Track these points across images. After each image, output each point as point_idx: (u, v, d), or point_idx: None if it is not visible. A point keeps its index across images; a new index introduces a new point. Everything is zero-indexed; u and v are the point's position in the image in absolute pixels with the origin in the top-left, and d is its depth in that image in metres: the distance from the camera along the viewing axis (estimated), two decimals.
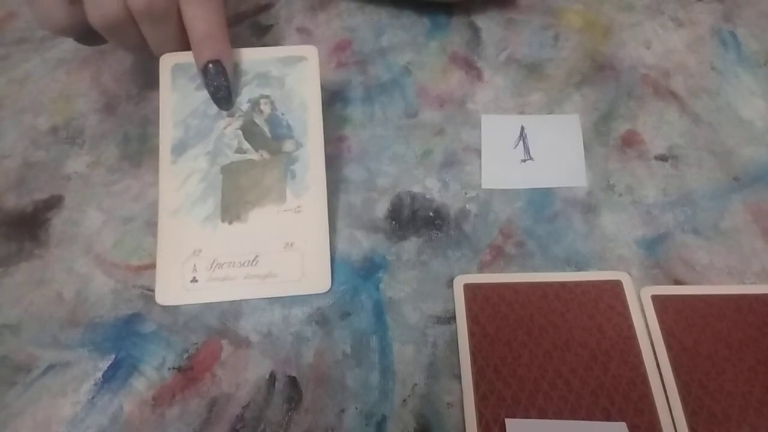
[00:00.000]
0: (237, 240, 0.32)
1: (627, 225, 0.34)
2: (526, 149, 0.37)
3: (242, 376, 0.30)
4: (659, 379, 0.28)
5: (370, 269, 0.33)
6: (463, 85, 0.41)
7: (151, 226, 0.35)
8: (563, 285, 0.32)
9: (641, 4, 0.44)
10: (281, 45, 0.43)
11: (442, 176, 0.36)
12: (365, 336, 0.31)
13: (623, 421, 0.27)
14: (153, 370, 0.30)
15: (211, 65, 0.33)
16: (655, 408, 0.28)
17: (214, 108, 0.34)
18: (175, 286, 0.32)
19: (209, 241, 0.32)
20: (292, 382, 0.30)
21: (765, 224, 0.33)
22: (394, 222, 0.35)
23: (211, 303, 0.32)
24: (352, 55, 0.42)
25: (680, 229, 0.33)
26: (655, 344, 0.29)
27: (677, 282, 0.32)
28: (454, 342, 0.30)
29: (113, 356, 0.31)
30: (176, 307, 0.32)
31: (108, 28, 0.33)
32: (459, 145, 0.38)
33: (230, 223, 0.33)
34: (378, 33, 0.44)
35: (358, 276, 0.33)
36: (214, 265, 0.32)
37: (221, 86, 0.34)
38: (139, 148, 0.39)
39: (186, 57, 0.34)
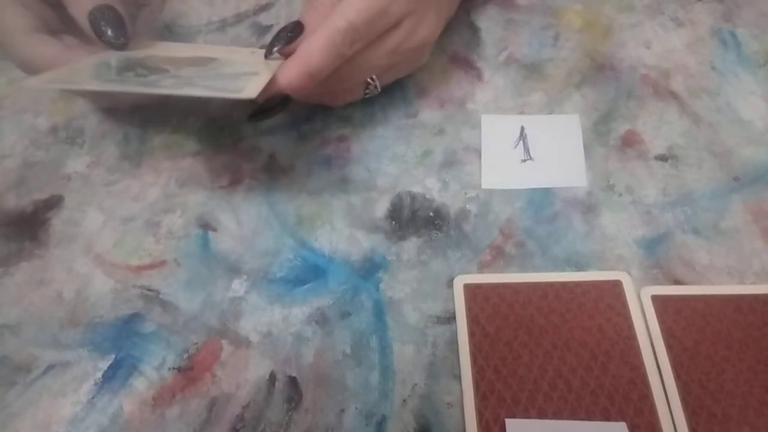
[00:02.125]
0: None
1: (627, 225, 0.34)
2: (526, 149, 0.37)
3: (242, 376, 0.30)
4: (659, 379, 0.28)
5: (370, 269, 0.33)
6: (463, 85, 0.41)
7: (151, 226, 0.35)
8: (563, 285, 0.32)
9: (641, 4, 0.44)
10: None
11: (442, 176, 0.36)
12: (365, 336, 0.31)
13: (623, 421, 0.27)
14: (153, 370, 0.30)
15: None
16: (655, 408, 0.28)
17: None
18: None
19: None
20: (292, 382, 0.30)
21: (765, 224, 0.33)
22: (394, 222, 0.35)
23: (212, 302, 0.32)
24: None
25: (680, 229, 0.33)
26: (655, 344, 0.29)
27: (677, 282, 0.32)
28: (454, 342, 0.30)
29: (113, 356, 0.31)
30: (176, 308, 0.32)
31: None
32: (459, 145, 0.38)
33: None
34: None
35: (358, 276, 0.33)
36: None
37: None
38: (139, 148, 0.39)
39: None
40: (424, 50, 0.38)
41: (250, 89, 0.29)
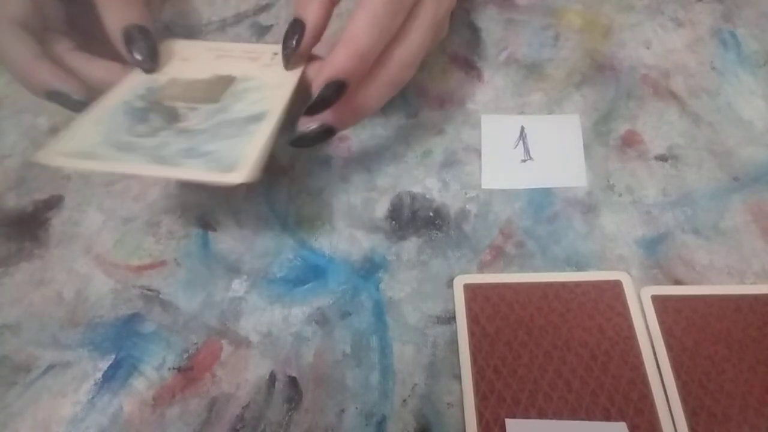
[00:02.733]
0: None
1: (627, 225, 0.34)
2: (526, 149, 0.37)
3: (242, 376, 0.30)
4: (659, 379, 0.28)
5: (370, 269, 0.33)
6: (463, 85, 0.41)
7: (151, 226, 0.35)
8: (563, 285, 0.32)
9: (641, 4, 0.44)
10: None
11: (442, 176, 0.36)
12: (365, 336, 0.31)
13: (623, 421, 0.27)
14: (153, 370, 0.30)
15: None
16: (655, 408, 0.28)
17: None
18: None
19: None
20: (292, 382, 0.30)
21: (765, 224, 0.33)
22: (394, 222, 0.35)
23: (212, 302, 0.32)
24: None
25: (680, 229, 0.33)
26: (655, 344, 0.29)
27: (677, 282, 0.32)
28: (454, 342, 0.30)
29: (113, 356, 0.31)
30: (176, 308, 0.32)
31: None
32: (459, 145, 0.38)
33: None
34: None
35: (358, 276, 0.33)
36: None
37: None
38: None
39: None
40: (447, 19, 0.37)
41: (244, 162, 0.29)
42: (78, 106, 0.33)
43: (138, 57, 0.34)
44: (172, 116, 0.32)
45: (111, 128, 0.32)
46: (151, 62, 0.34)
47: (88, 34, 0.36)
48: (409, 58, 0.33)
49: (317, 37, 0.33)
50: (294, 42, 0.33)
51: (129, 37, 0.33)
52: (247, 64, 0.36)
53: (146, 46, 0.34)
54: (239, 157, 0.30)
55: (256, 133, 0.31)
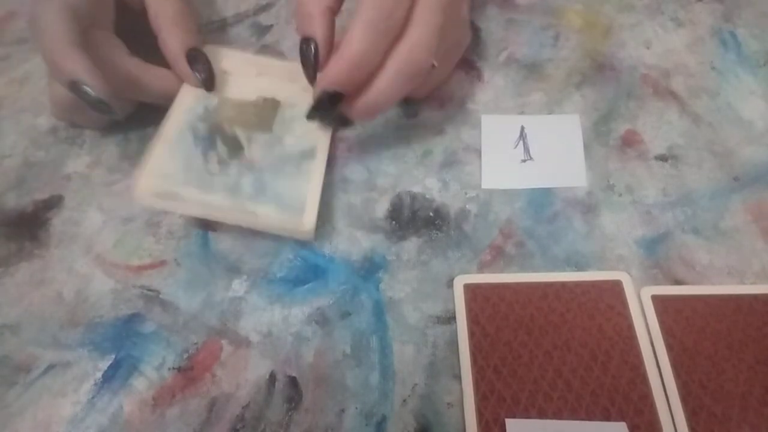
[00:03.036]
0: None
1: (627, 225, 0.34)
2: (526, 149, 0.37)
3: (242, 376, 0.30)
4: (659, 379, 0.28)
5: (370, 269, 0.33)
6: (463, 85, 0.41)
7: (151, 226, 0.35)
8: (563, 285, 0.32)
9: (641, 4, 0.44)
10: (281, 44, 0.43)
11: (442, 176, 0.36)
12: (365, 336, 0.31)
13: (623, 421, 0.27)
14: (153, 370, 0.30)
15: None
16: (655, 408, 0.28)
17: None
18: None
19: None
20: (292, 382, 0.30)
21: (765, 224, 0.33)
22: (394, 222, 0.35)
23: (212, 302, 0.32)
24: None
25: (680, 229, 0.33)
26: (655, 344, 0.29)
27: (677, 282, 0.32)
28: (454, 342, 0.30)
29: (113, 356, 0.31)
30: (176, 308, 0.32)
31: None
32: (459, 145, 0.38)
33: None
34: None
35: (358, 276, 0.33)
36: None
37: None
38: (139, 148, 0.39)
39: None
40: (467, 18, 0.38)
41: (309, 216, 0.33)
42: (96, 103, 0.33)
43: (200, 76, 0.36)
44: (236, 145, 0.35)
45: (187, 158, 0.34)
46: (211, 82, 0.37)
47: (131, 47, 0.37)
48: (417, 44, 0.32)
49: (330, 49, 0.33)
50: (312, 59, 0.33)
51: (193, 59, 0.36)
52: (288, 86, 0.38)
53: (206, 68, 0.37)
54: (304, 206, 0.33)
55: (311, 174, 0.35)
